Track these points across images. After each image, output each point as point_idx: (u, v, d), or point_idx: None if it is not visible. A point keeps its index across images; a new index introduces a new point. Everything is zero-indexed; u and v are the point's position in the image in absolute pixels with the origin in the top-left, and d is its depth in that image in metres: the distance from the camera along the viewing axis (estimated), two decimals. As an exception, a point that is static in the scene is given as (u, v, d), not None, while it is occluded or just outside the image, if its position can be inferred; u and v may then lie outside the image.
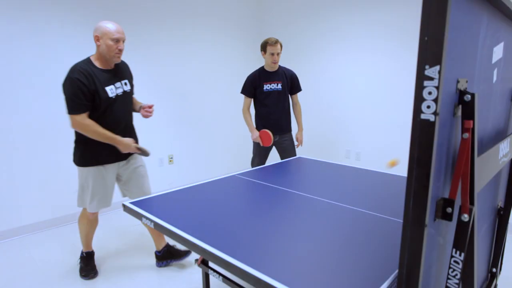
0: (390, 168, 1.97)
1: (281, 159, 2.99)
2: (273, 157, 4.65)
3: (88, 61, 1.97)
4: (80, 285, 2.14)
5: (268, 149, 2.99)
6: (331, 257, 1.15)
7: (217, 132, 4.24)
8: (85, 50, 3.02)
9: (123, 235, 2.84)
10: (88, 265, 2.25)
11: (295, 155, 2.98)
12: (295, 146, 2.99)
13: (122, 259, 2.45)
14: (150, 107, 2.24)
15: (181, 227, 1.39)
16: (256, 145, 2.97)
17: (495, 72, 1.16)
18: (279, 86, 2.85)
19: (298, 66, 4.17)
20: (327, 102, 3.94)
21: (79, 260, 2.31)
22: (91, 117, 1.95)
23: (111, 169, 2.11)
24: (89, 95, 1.90)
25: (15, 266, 2.36)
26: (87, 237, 2.27)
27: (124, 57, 3.25)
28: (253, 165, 3.05)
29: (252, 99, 2.93)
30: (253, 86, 2.85)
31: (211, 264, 1.84)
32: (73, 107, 1.88)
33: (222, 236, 1.31)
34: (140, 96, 3.46)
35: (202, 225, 1.41)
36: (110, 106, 2.00)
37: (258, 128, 2.94)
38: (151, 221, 1.48)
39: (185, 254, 2.40)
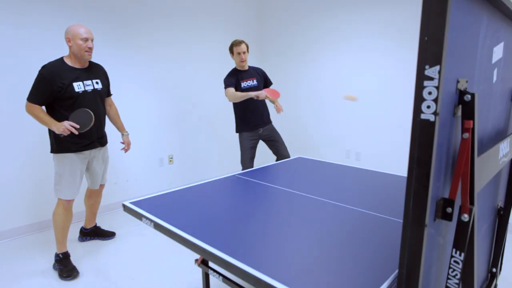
0: (349, 99, 2.01)
1: (272, 149, 3.12)
2: (271, 155, 4.65)
3: (60, 59, 2.18)
4: (80, 284, 2.14)
5: (255, 145, 3.07)
6: (331, 257, 1.15)
7: (217, 132, 4.24)
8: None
9: (122, 235, 2.84)
10: (67, 265, 2.23)
11: (282, 139, 3.15)
12: (275, 131, 3.13)
13: (121, 260, 2.45)
14: (128, 145, 2.60)
15: (181, 227, 1.39)
16: (243, 143, 3.05)
17: (495, 72, 1.16)
18: (255, 82, 3.04)
19: (298, 65, 4.17)
20: (327, 102, 3.94)
21: (55, 264, 2.27)
22: (60, 107, 2.16)
23: (82, 157, 2.29)
24: (49, 93, 2.10)
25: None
26: (63, 231, 2.25)
27: (125, 57, 3.28)
28: (245, 165, 3.08)
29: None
30: (235, 79, 2.95)
31: (211, 264, 1.84)
32: (32, 97, 2.10)
33: (222, 236, 1.31)
34: (140, 96, 3.47)
35: (202, 225, 1.41)
36: (78, 100, 2.19)
37: (241, 127, 3.04)
38: (151, 221, 1.48)
39: (110, 235, 2.76)
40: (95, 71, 2.33)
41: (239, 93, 2.84)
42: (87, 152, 2.31)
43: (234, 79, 2.96)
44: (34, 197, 2.88)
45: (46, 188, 2.90)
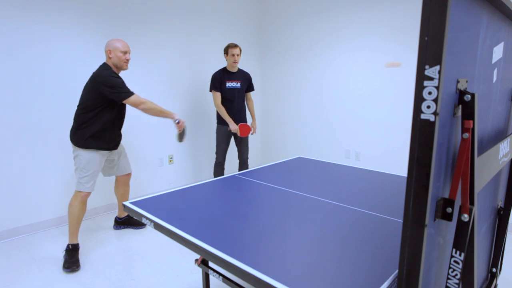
0: (390, 66, 2.03)
1: (238, 146, 3.56)
2: (269, 157, 4.65)
3: (108, 67, 2.40)
4: (80, 284, 2.14)
5: (228, 138, 3.49)
6: (331, 257, 1.15)
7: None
8: (85, 50, 3.02)
9: (122, 235, 2.84)
10: (72, 258, 2.33)
11: (247, 143, 3.60)
12: (250, 134, 3.57)
13: (122, 259, 2.45)
14: None
15: (181, 227, 1.39)
16: (221, 137, 3.44)
17: (495, 72, 1.16)
18: (239, 84, 3.41)
19: (299, 66, 4.17)
20: (327, 101, 3.94)
21: (64, 253, 2.39)
22: (114, 111, 2.43)
23: (105, 155, 2.50)
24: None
25: (15, 266, 2.37)
26: (77, 222, 2.39)
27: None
28: (218, 154, 3.46)
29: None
30: (219, 82, 3.33)
31: (211, 264, 1.84)
32: (127, 91, 2.35)
33: (222, 236, 1.31)
34: (141, 96, 3.46)
35: (202, 225, 1.41)
36: (120, 106, 2.50)
37: (219, 119, 3.43)
38: (151, 221, 1.48)
39: (142, 224, 2.98)
40: None
41: (223, 110, 3.34)
42: (107, 151, 2.51)
43: (220, 81, 3.33)
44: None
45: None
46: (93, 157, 2.39)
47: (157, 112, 2.42)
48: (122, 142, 3.35)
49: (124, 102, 2.35)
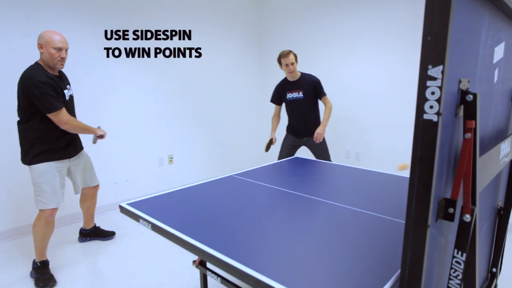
0: (400, 169, 1.96)
1: (317, 157, 3.10)
2: (267, 157, 4.65)
3: (41, 68, 2.09)
4: (79, 285, 2.13)
5: (292, 148, 3.13)
6: (332, 258, 1.15)
7: (217, 132, 4.23)
8: (84, 48, 3.01)
9: (122, 235, 2.83)
10: (45, 274, 2.15)
11: (327, 152, 3.08)
12: (321, 144, 3.06)
13: (121, 260, 2.44)
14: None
15: (178, 228, 1.38)
16: (283, 142, 3.17)
17: (496, 72, 1.16)
18: (301, 94, 2.99)
19: (298, 67, 4.16)
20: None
21: (32, 271, 2.20)
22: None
23: (65, 164, 2.28)
24: (59, 93, 2.12)
25: None
26: (43, 243, 2.19)
27: (126, 58, 3.26)
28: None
29: (281, 106, 3.18)
30: (278, 96, 3.09)
31: (209, 265, 1.83)
32: (59, 104, 2.08)
33: (220, 237, 1.30)
34: (140, 96, 3.46)
35: (200, 226, 1.40)
36: (66, 107, 2.19)
37: (287, 127, 3.19)
38: (149, 222, 1.47)
39: (110, 235, 2.77)
40: (65, 77, 2.33)
41: (273, 122, 3.18)
42: (66, 160, 2.28)
43: (279, 94, 3.07)
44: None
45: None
46: (42, 170, 2.11)
47: (81, 130, 2.23)
48: (122, 142, 3.35)
49: (49, 115, 2.05)
